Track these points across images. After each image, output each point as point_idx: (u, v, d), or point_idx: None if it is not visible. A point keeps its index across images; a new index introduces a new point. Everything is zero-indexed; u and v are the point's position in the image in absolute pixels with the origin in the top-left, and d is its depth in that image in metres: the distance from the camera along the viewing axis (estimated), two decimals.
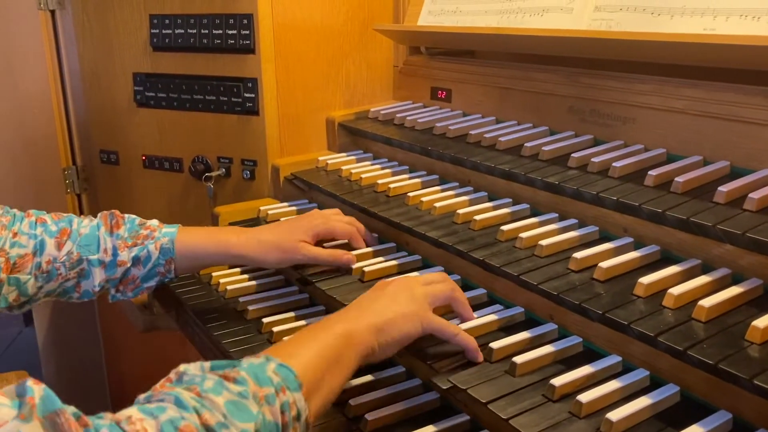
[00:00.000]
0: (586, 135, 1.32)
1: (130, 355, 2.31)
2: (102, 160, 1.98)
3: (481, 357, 1.02)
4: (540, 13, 1.40)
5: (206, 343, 1.32)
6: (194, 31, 1.72)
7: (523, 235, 1.15)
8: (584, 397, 0.89)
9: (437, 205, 1.32)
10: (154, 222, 1.28)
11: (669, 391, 0.91)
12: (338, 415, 1.05)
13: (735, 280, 0.97)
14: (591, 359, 0.99)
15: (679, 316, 0.90)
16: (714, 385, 0.88)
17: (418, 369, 1.13)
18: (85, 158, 2.06)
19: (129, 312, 1.74)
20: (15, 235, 1.17)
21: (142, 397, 0.77)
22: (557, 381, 0.93)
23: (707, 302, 0.89)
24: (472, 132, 1.44)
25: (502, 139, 1.36)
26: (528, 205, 1.28)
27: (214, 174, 1.78)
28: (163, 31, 1.76)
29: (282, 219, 1.56)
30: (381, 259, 1.34)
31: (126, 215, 1.27)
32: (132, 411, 0.72)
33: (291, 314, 1.31)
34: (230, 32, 1.67)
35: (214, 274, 1.48)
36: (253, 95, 1.69)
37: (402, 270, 1.30)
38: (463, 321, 1.09)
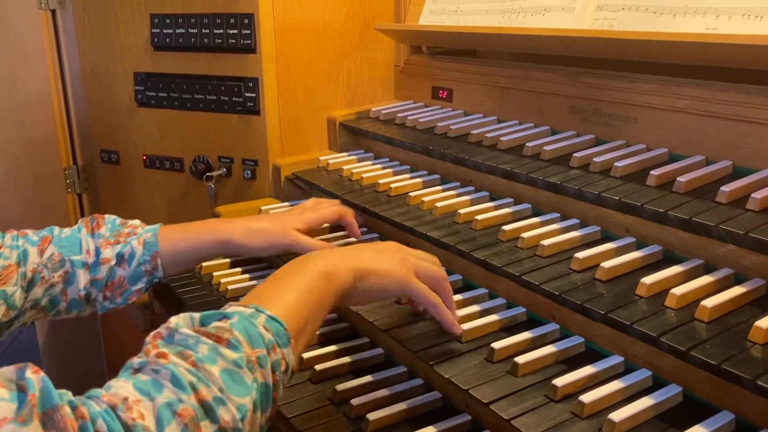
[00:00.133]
0: (587, 135, 1.32)
1: (131, 355, 2.31)
2: (103, 160, 1.98)
3: (458, 330, 1.03)
4: (541, 13, 1.40)
5: None
6: (195, 30, 1.72)
7: (525, 235, 1.14)
8: (586, 397, 0.89)
9: (438, 204, 1.32)
10: (136, 221, 1.25)
11: (671, 391, 0.91)
12: (339, 415, 1.05)
13: (737, 280, 0.96)
14: (593, 359, 0.99)
15: (682, 317, 0.90)
16: (717, 386, 0.87)
17: (419, 369, 1.13)
18: (86, 158, 2.06)
19: (130, 312, 1.74)
20: None
21: (135, 361, 0.76)
22: (559, 381, 0.92)
23: (710, 302, 0.89)
24: (474, 132, 1.44)
25: (503, 138, 1.36)
26: (529, 205, 1.28)
27: (215, 174, 1.77)
28: (164, 31, 1.76)
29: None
30: None
31: (106, 216, 1.24)
32: (127, 388, 0.70)
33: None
34: (231, 32, 1.67)
35: (214, 273, 1.48)
36: (254, 95, 1.68)
37: None
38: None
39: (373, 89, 1.85)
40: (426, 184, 1.47)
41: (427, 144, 1.45)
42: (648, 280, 0.96)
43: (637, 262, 1.04)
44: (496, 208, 1.29)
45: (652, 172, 1.09)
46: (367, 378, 1.12)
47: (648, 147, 1.22)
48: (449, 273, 1.27)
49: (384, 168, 1.58)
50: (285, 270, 0.95)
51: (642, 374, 0.95)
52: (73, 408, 0.66)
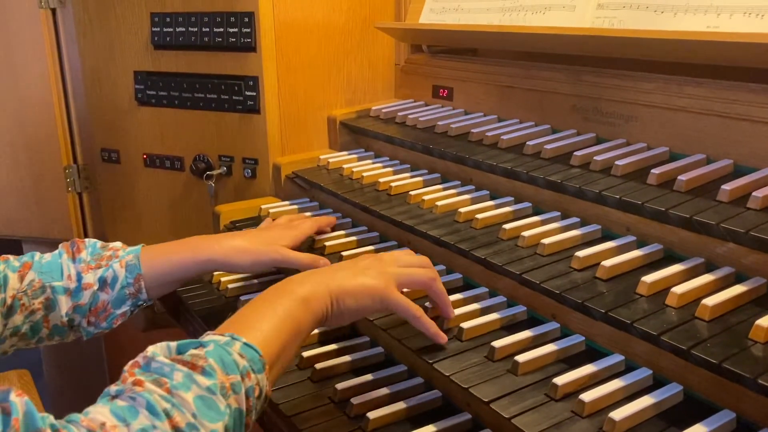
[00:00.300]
0: (588, 133, 1.32)
1: (131, 354, 2.30)
2: (103, 159, 1.98)
3: (443, 339, 1.02)
4: (542, 11, 1.39)
5: None
6: (195, 29, 1.71)
7: (525, 233, 1.14)
8: (587, 396, 0.89)
9: (439, 203, 1.32)
10: (117, 243, 1.23)
11: (672, 390, 0.91)
12: (339, 414, 1.05)
13: (738, 278, 0.96)
14: (593, 358, 0.99)
15: (683, 315, 0.90)
16: (717, 385, 0.87)
17: (419, 368, 1.13)
18: (86, 157, 2.06)
19: None
20: None
21: (113, 389, 0.77)
22: (560, 380, 0.92)
23: (710, 301, 0.89)
24: (474, 130, 1.43)
25: (504, 137, 1.36)
26: (530, 204, 1.28)
27: (215, 172, 1.77)
28: (164, 29, 1.76)
29: (284, 216, 1.56)
30: None
31: (87, 240, 1.22)
32: (105, 414, 0.72)
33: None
34: (231, 30, 1.66)
35: (215, 272, 1.47)
36: (254, 93, 1.68)
37: None
38: (442, 316, 1.09)
39: (373, 88, 1.84)
40: (426, 183, 1.47)
41: (428, 143, 1.45)
42: (649, 278, 0.96)
43: (637, 260, 1.04)
44: (497, 206, 1.28)
45: (652, 170, 1.09)
46: (368, 377, 1.11)
47: (649, 145, 1.22)
48: (449, 272, 1.27)
49: (384, 167, 1.58)
50: (263, 297, 0.96)
51: (642, 373, 0.95)
52: (54, 431, 0.67)
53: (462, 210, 1.27)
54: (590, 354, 1.02)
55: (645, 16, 1.21)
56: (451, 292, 1.19)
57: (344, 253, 1.35)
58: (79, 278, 1.16)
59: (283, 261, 1.26)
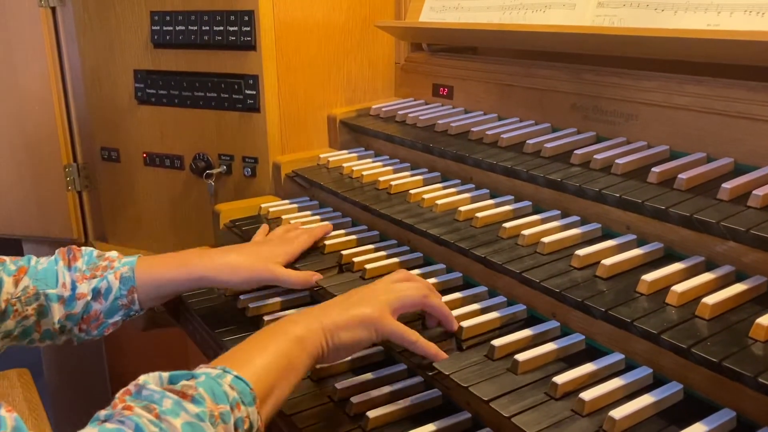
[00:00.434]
0: (588, 132, 1.32)
1: (131, 353, 2.31)
2: (103, 158, 1.98)
3: (443, 356, 1.01)
4: (543, 10, 1.39)
5: (207, 341, 1.31)
6: (195, 27, 1.71)
7: (525, 232, 1.14)
8: (587, 395, 0.88)
9: (439, 202, 1.32)
10: (113, 253, 1.24)
11: (672, 389, 0.91)
12: (339, 413, 1.05)
13: (739, 277, 0.96)
14: (593, 357, 0.99)
15: (683, 314, 0.90)
16: (718, 383, 0.87)
17: (419, 367, 1.12)
18: (86, 155, 2.05)
19: None
20: None
21: (102, 413, 0.78)
22: (559, 379, 0.92)
23: (711, 300, 0.89)
24: (474, 129, 1.43)
25: (504, 136, 1.36)
26: (530, 203, 1.28)
27: (215, 171, 1.77)
28: (164, 28, 1.76)
29: (283, 217, 1.56)
30: (383, 254, 1.34)
31: (83, 248, 1.24)
32: None
33: (292, 312, 1.31)
34: (231, 29, 1.66)
35: None
36: (254, 92, 1.68)
37: (403, 267, 1.29)
38: (445, 329, 1.08)
39: (373, 87, 1.84)
40: (426, 182, 1.46)
41: (428, 141, 1.45)
42: (649, 277, 0.96)
43: (637, 259, 1.04)
44: (497, 205, 1.28)
45: (653, 169, 1.09)
46: (367, 376, 1.11)
47: (649, 144, 1.22)
48: (449, 270, 1.27)
49: (384, 165, 1.57)
50: (257, 336, 0.97)
51: (643, 372, 0.94)
52: None
53: (462, 209, 1.27)
54: (590, 353, 1.02)
55: (645, 15, 1.21)
56: (450, 291, 1.19)
57: (344, 252, 1.35)
58: (74, 287, 1.17)
59: (274, 280, 1.28)
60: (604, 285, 0.99)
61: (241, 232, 1.55)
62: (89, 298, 1.18)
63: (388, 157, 1.64)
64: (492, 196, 1.34)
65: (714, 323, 0.88)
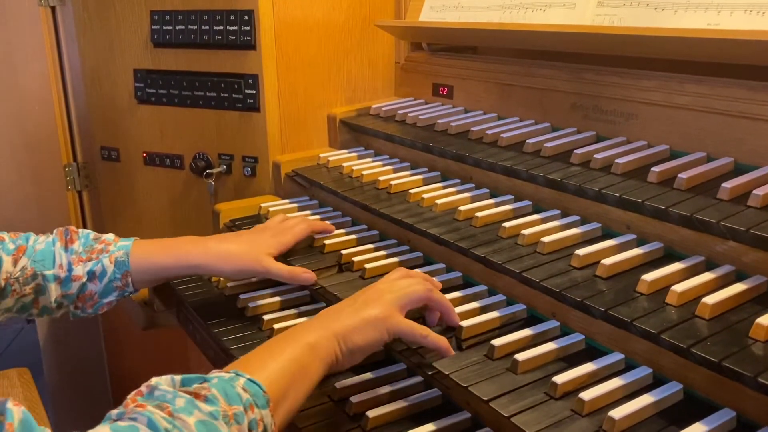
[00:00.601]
0: (588, 131, 1.32)
1: (131, 352, 2.31)
2: (103, 157, 1.98)
3: (452, 352, 1.02)
4: (542, 9, 1.39)
5: (207, 340, 1.31)
6: (195, 27, 1.71)
7: (525, 232, 1.14)
8: (586, 394, 0.88)
9: (439, 202, 1.31)
10: (110, 236, 1.26)
11: (672, 389, 0.90)
12: (339, 413, 1.05)
13: (739, 277, 0.96)
14: (593, 357, 0.99)
15: (683, 314, 0.90)
16: (717, 383, 0.87)
17: (418, 366, 1.12)
18: (86, 155, 2.05)
19: (130, 309, 1.73)
20: None
21: (114, 412, 0.78)
22: (559, 378, 0.92)
23: (711, 299, 0.89)
24: (474, 128, 1.43)
25: (504, 135, 1.35)
26: (530, 202, 1.28)
27: (215, 171, 1.77)
28: (164, 27, 1.76)
29: (278, 216, 1.56)
30: (383, 254, 1.34)
31: (81, 230, 1.25)
32: (104, 430, 0.72)
33: (292, 311, 1.31)
34: (231, 28, 1.66)
35: None
36: (254, 92, 1.68)
37: (403, 267, 1.29)
38: (447, 325, 1.08)
39: (373, 86, 1.84)
40: (426, 181, 1.46)
41: (428, 141, 1.45)
42: (649, 277, 0.96)
43: (637, 259, 1.04)
44: (497, 205, 1.28)
45: (653, 168, 1.09)
46: (367, 375, 1.11)
47: (649, 144, 1.22)
48: (449, 270, 1.27)
49: (384, 165, 1.57)
50: (269, 343, 0.97)
51: (642, 371, 0.94)
52: None
53: (462, 208, 1.27)
54: (590, 352, 1.02)
55: (645, 14, 1.20)
56: (450, 290, 1.19)
57: (344, 252, 1.35)
58: (70, 269, 1.20)
59: (264, 273, 1.29)
60: (603, 285, 0.99)
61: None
62: (84, 279, 1.21)
63: (388, 156, 1.64)
64: (492, 196, 1.34)
65: (714, 323, 0.87)
